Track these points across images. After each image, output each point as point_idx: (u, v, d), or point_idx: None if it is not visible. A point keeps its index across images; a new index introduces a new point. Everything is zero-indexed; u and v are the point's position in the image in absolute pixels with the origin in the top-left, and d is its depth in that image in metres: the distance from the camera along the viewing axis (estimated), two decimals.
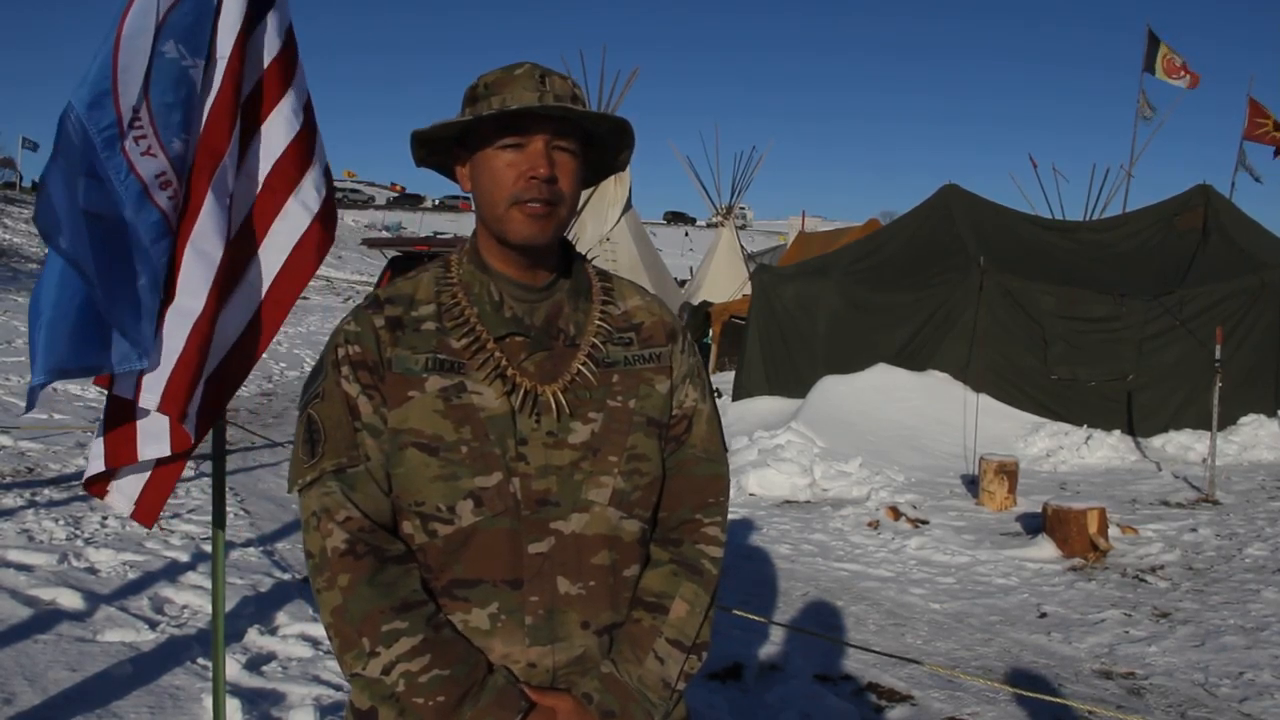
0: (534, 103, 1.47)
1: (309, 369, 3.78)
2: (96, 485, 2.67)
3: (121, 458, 2.61)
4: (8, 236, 30.20)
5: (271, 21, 2.70)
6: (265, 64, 2.69)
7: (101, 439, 2.60)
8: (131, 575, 5.02)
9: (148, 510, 2.69)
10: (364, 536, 1.46)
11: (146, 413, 2.56)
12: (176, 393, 2.53)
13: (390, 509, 1.51)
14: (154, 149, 2.48)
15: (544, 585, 1.49)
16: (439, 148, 1.60)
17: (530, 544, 1.49)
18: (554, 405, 1.51)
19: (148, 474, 2.68)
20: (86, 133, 2.40)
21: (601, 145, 1.62)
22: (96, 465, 2.62)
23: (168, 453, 2.62)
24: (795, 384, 11.69)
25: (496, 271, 1.56)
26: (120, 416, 2.59)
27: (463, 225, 54.16)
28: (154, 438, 2.59)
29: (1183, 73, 19.25)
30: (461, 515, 1.47)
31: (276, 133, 2.70)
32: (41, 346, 2.42)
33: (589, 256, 1.76)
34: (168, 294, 2.55)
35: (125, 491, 2.68)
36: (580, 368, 1.54)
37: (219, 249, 2.59)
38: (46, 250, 2.48)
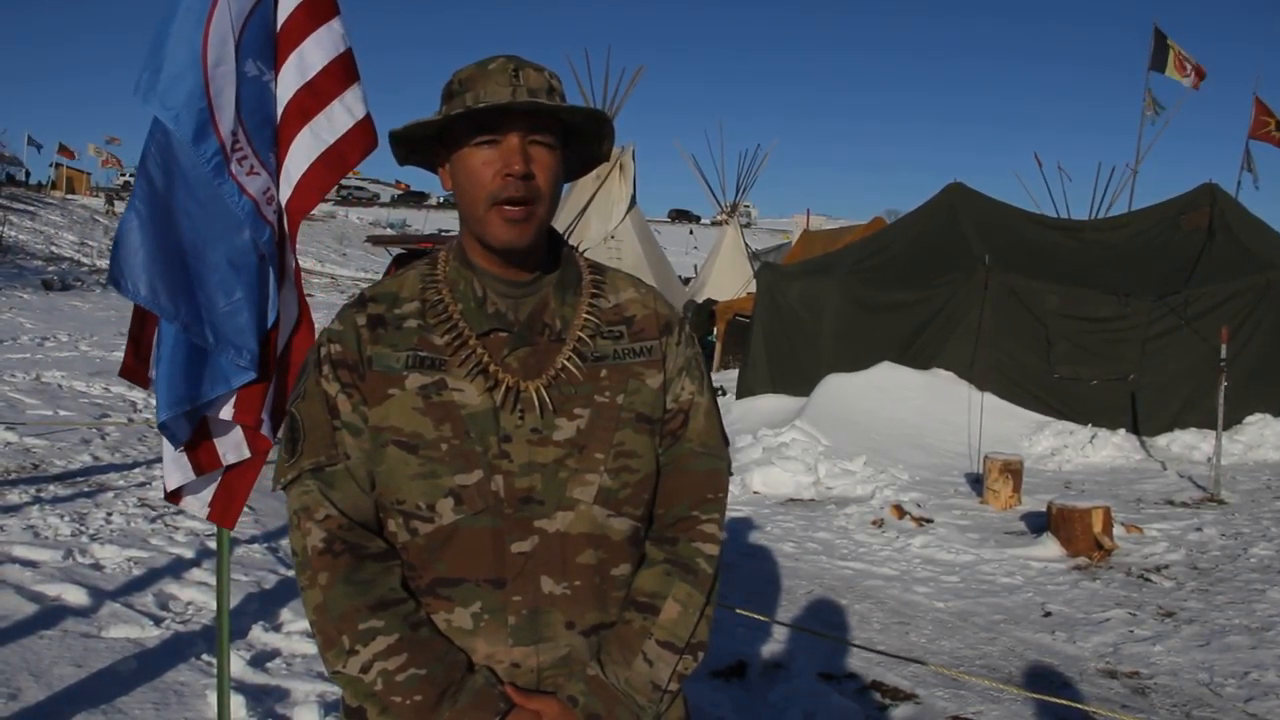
0: (506, 99, 1.44)
1: None
2: (173, 494, 2.75)
3: (205, 466, 2.70)
4: (12, 234, 30.24)
5: None
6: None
7: (181, 452, 2.66)
8: (136, 571, 5.02)
9: (225, 511, 2.78)
10: (341, 534, 1.46)
11: (225, 423, 2.66)
12: (251, 400, 2.64)
13: (372, 507, 1.50)
14: (256, 167, 2.58)
15: (527, 585, 1.47)
16: (420, 146, 1.58)
17: (513, 543, 1.47)
18: (536, 401, 1.49)
19: (219, 478, 2.76)
20: (191, 167, 2.49)
21: (583, 136, 1.58)
22: (182, 477, 2.70)
23: (248, 455, 2.72)
24: (800, 382, 11.67)
25: (480, 268, 1.54)
26: (200, 428, 2.67)
27: None
28: (234, 445, 2.70)
29: (1190, 70, 19.16)
30: (442, 513, 1.46)
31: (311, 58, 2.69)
32: (160, 385, 2.55)
33: (582, 249, 1.74)
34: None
35: (200, 496, 2.76)
36: (565, 363, 1.52)
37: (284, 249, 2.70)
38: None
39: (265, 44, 2.63)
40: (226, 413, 2.64)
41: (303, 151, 2.63)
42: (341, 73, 2.68)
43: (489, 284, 1.54)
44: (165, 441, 2.69)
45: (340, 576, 1.44)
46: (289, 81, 2.65)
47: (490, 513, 1.46)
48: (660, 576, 1.55)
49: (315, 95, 2.64)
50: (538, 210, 1.49)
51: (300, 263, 2.76)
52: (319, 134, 2.64)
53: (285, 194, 2.65)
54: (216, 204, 2.53)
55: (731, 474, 1.70)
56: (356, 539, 1.46)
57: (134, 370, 2.72)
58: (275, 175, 2.63)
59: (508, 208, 1.46)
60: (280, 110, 2.65)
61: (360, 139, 2.69)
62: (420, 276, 1.57)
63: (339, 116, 2.66)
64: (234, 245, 2.56)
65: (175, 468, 2.69)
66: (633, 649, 1.50)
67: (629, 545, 1.55)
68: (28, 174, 52.63)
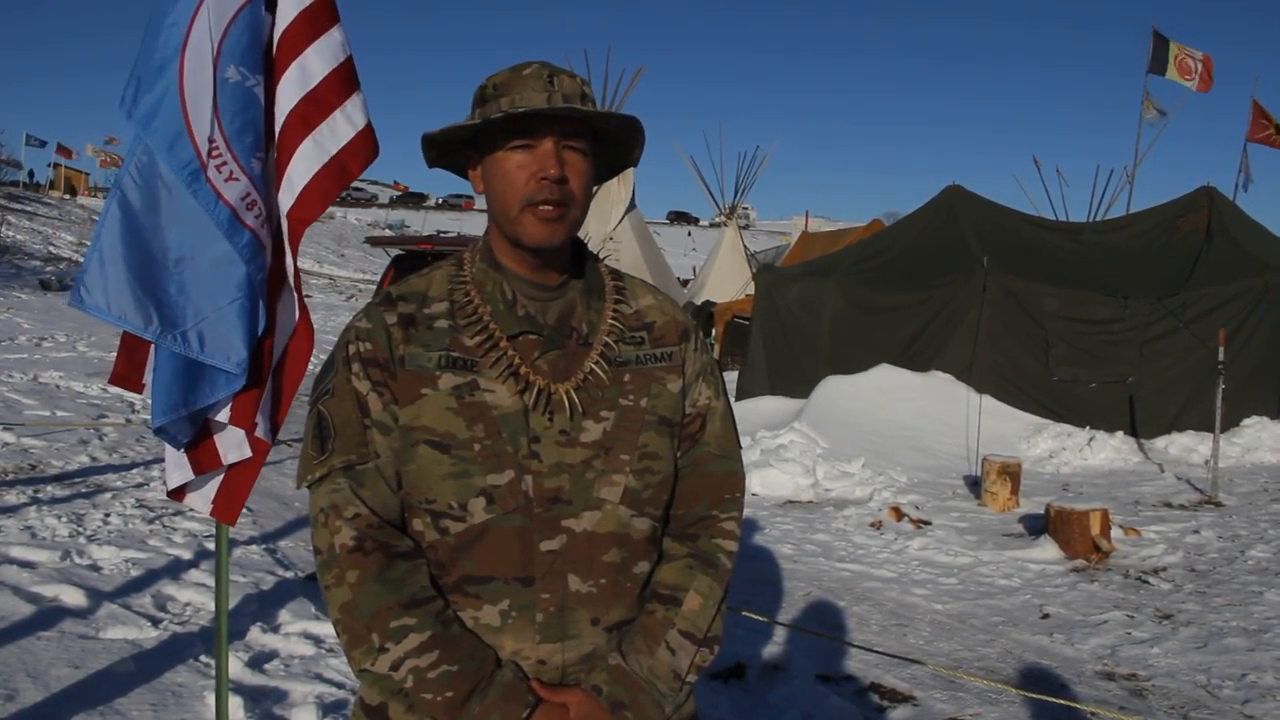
0: (542, 104, 1.47)
1: (313, 367, 3.79)
2: (176, 492, 2.78)
3: (206, 465, 2.72)
4: (11, 234, 30.22)
5: None
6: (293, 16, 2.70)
7: (182, 451, 2.69)
8: (134, 572, 5.02)
9: (227, 508, 2.81)
10: (372, 533, 1.46)
11: (223, 425, 2.69)
12: (245, 405, 2.66)
13: (399, 506, 1.52)
14: (235, 173, 2.59)
15: (555, 583, 1.50)
16: (450, 150, 1.60)
17: (542, 542, 1.49)
18: (566, 404, 1.51)
19: (222, 475, 2.79)
20: (170, 174, 2.51)
21: (612, 142, 1.62)
22: (183, 476, 2.72)
23: (249, 455, 2.75)
24: (798, 384, 11.68)
25: (509, 270, 1.57)
26: (201, 429, 2.70)
27: (466, 224, 54.21)
28: (235, 444, 2.73)
29: (1195, 73, 19.10)
30: (473, 513, 1.48)
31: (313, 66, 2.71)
32: (157, 393, 2.56)
33: (603, 256, 1.76)
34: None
35: (203, 492, 2.79)
36: (593, 366, 1.55)
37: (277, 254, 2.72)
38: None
39: (250, 49, 2.63)
40: (224, 416, 2.66)
41: (306, 160, 2.65)
42: (341, 82, 2.70)
43: (518, 286, 1.56)
44: (174, 442, 2.71)
45: (371, 575, 1.44)
46: (290, 91, 2.66)
47: (520, 512, 1.49)
48: (682, 570, 1.59)
49: (317, 105, 2.66)
50: (570, 212, 1.51)
51: (298, 265, 2.77)
52: (322, 143, 2.66)
53: (287, 202, 2.66)
54: (202, 212, 2.55)
55: (745, 476, 1.75)
56: (386, 538, 1.48)
57: (125, 377, 2.73)
58: (258, 181, 2.64)
59: (542, 207, 1.48)
60: (281, 119, 2.67)
61: (362, 148, 2.72)
62: (448, 277, 1.59)
63: (341, 126, 2.68)
64: (221, 251, 2.58)
65: (176, 467, 2.71)
66: (656, 638, 1.54)
67: (649, 543, 1.59)
68: (31, 174, 52.61)
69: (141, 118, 2.50)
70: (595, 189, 1.70)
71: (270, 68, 2.67)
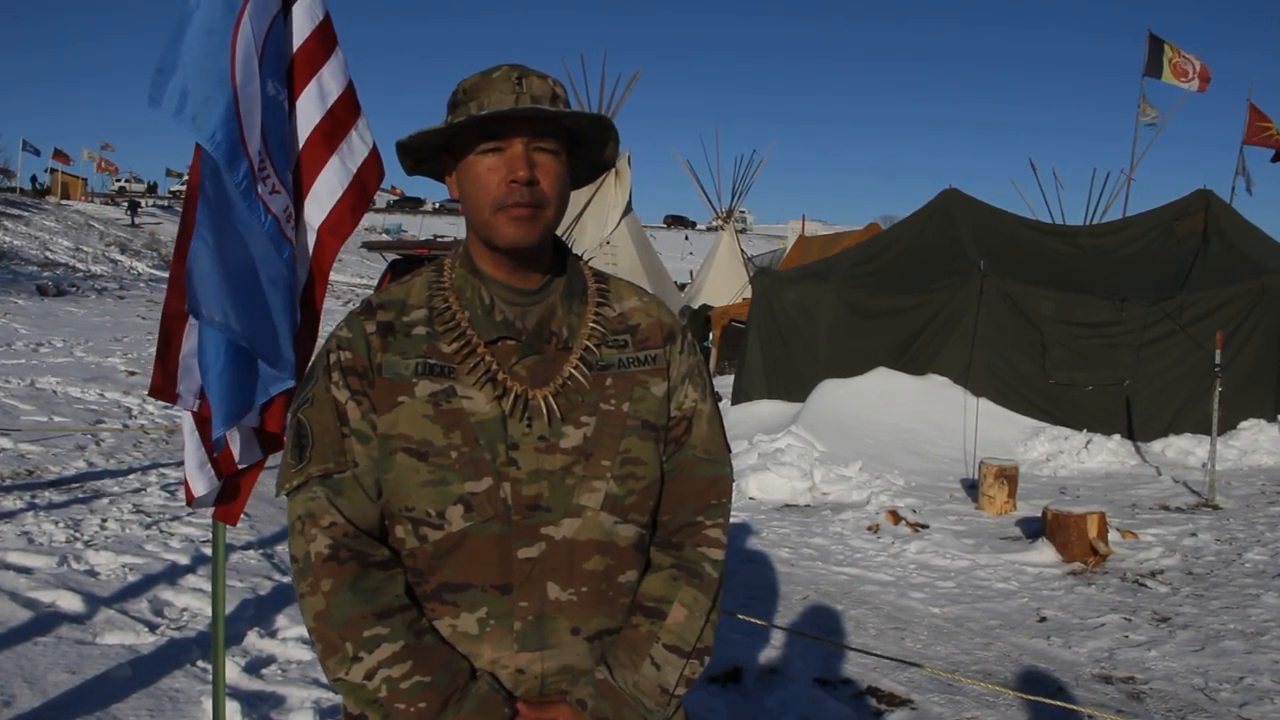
0: (509, 106, 1.46)
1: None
2: (189, 494, 2.79)
3: (225, 470, 2.76)
4: (7, 239, 30.20)
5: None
6: (304, 38, 2.75)
7: (206, 459, 2.71)
8: (131, 578, 5.02)
9: (230, 509, 2.85)
10: (347, 542, 1.46)
11: (241, 427, 2.71)
12: (277, 409, 2.71)
13: (378, 514, 1.51)
14: (277, 186, 2.64)
15: (533, 591, 1.48)
16: (427, 156, 1.59)
17: (520, 549, 1.48)
18: (545, 409, 1.49)
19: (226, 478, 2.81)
20: (227, 187, 2.54)
21: (587, 142, 1.60)
22: (207, 484, 2.73)
23: (261, 457, 2.79)
24: (795, 387, 11.69)
25: (488, 275, 1.55)
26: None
27: (463, 228, 53.96)
28: (249, 447, 2.76)
29: (1191, 75, 19.12)
30: (451, 520, 1.47)
31: (328, 87, 2.78)
32: (216, 401, 2.58)
33: (586, 258, 1.75)
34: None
35: (209, 495, 2.81)
36: (572, 371, 1.53)
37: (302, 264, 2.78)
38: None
39: (280, 64, 2.68)
40: (254, 420, 2.70)
41: (335, 176, 2.72)
42: (351, 102, 2.79)
43: (496, 291, 1.55)
44: (189, 450, 2.73)
45: (345, 584, 1.44)
46: (311, 107, 2.72)
47: (499, 520, 1.47)
48: (667, 581, 1.56)
49: (336, 123, 2.74)
50: (544, 212, 1.50)
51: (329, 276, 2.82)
52: (345, 161, 2.75)
53: (318, 217, 2.72)
54: (255, 224, 2.59)
55: (734, 480, 1.71)
56: (362, 546, 1.47)
57: (162, 389, 2.73)
58: (293, 194, 2.69)
59: (513, 209, 1.47)
60: (305, 135, 2.72)
61: (375, 167, 2.80)
62: (427, 284, 1.58)
63: (357, 145, 2.77)
64: (272, 260, 2.62)
65: (201, 475, 2.72)
66: (640, 653, 1.52)
67: (635, 551, 1.56)
68: (34, 179, 52.61)
69: (201, 128, 2.49)
70: (591, 195, 1.69)
71: (289, 81, 2.71)
